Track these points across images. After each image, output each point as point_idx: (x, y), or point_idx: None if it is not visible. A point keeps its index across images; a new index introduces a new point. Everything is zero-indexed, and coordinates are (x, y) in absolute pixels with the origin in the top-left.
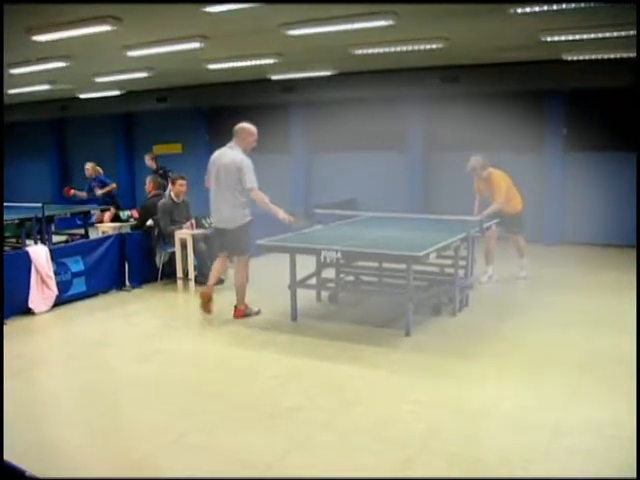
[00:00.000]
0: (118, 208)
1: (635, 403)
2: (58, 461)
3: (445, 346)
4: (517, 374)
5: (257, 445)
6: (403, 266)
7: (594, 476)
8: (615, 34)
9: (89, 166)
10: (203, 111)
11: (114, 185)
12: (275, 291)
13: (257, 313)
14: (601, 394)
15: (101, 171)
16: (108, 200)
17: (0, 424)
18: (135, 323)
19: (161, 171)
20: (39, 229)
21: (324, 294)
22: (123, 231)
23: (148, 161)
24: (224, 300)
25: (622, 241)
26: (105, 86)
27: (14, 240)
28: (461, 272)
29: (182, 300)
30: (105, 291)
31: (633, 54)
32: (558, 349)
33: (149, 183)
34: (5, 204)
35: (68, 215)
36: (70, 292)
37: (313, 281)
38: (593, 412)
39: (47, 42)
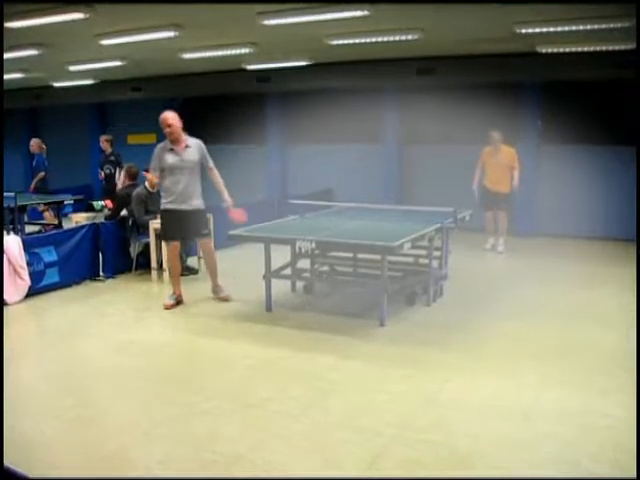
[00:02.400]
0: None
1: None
2: (32, 452)
3: (419, 336)
4: (490, 364)
5: (230, 435)
6: (378, 257)
7: (574, 465)
8: (589, 27)
9: (34, 143)
10: (178, 101)
11: (43, 174)
12: (250, 281)
13: (224, 298)
14: (573, 384)
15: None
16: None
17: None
18: (109, 314)
19: (112, 157)
20: (12, 219)
21: (299, 284)
22: (97, 221)
23: (103, 143)
24: (197, 291)
25: (594, 234)
26: (79, 75)
27: None
28: (435, 263)
29: (156, 291)
30: (79, 282)
31: (607, 47)
32: (531, 339)
33: (123, 173)
34: None
35: (42, 205)
36: (43, 282)
37: (288, 271)
38: (566, 401)
39: (19, 29)
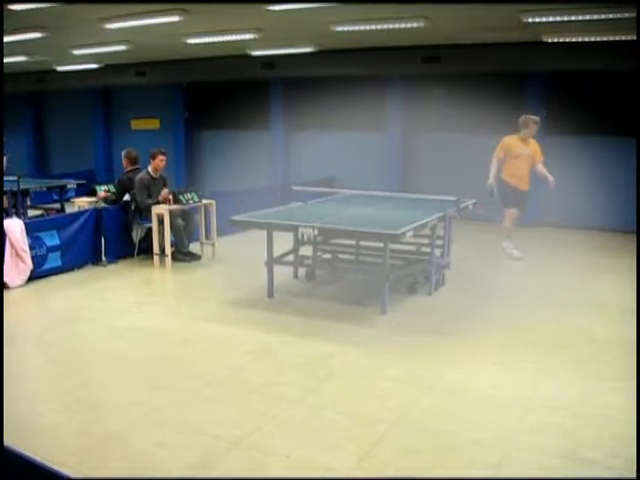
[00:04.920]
0: None
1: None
2: (31, 434)
3: (420, 324)
4: (490, 352)
5: (228, 420)
6: (380, 244)
7: (571, 454)
8: (596, 17)
9: None
10: (182, 86)
11: None
12: (252, 268)
13: None
14: (571, 373)
15: None
16: None
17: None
18: (110, 298)
19: None
20: (14, 203)
21: (301, 272)
22: (99, 206)
23: None
24: (199, 277)
25: (597, 224)
26: (83, 59)
27: None
28: (438, 251)
29: (158, 276)
30: (81, 266)
31: (614, 37)
32: (531, 328)
33: (124, 158)
34: None
35: (44, 189)
36: (45, 266)
37: (290, 258)
38: (563, 390)
39: (23, 11)
